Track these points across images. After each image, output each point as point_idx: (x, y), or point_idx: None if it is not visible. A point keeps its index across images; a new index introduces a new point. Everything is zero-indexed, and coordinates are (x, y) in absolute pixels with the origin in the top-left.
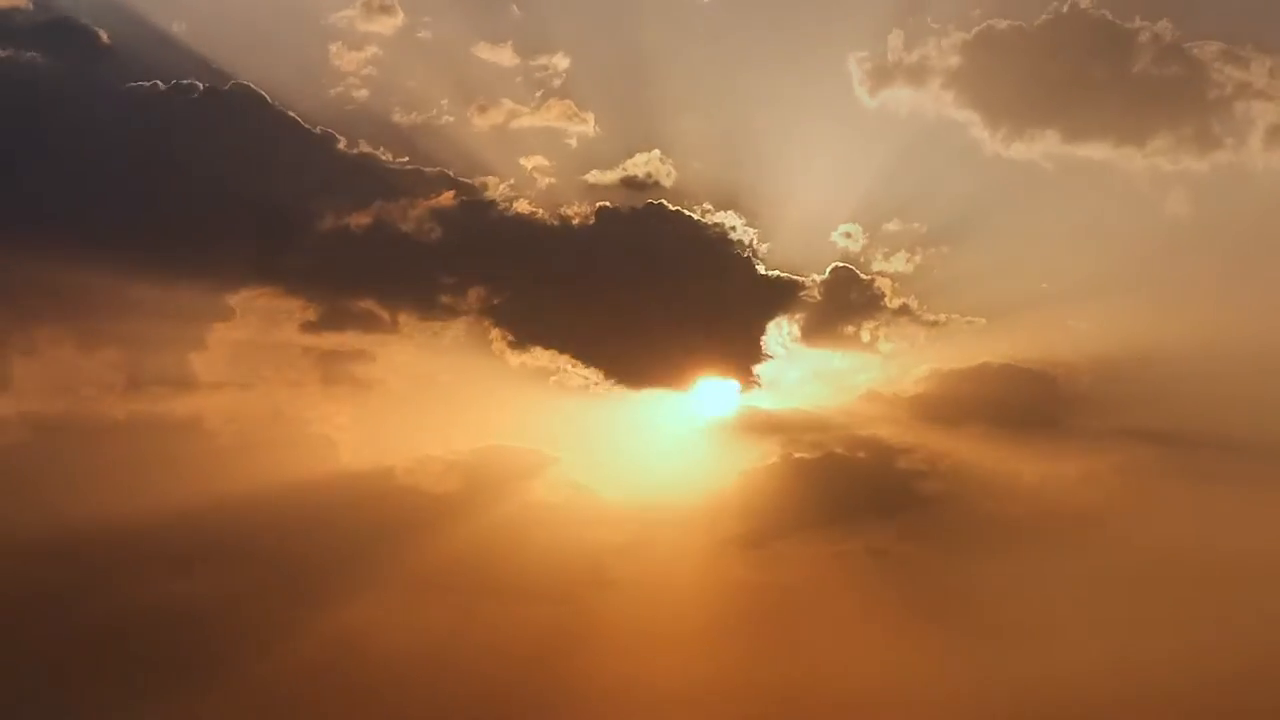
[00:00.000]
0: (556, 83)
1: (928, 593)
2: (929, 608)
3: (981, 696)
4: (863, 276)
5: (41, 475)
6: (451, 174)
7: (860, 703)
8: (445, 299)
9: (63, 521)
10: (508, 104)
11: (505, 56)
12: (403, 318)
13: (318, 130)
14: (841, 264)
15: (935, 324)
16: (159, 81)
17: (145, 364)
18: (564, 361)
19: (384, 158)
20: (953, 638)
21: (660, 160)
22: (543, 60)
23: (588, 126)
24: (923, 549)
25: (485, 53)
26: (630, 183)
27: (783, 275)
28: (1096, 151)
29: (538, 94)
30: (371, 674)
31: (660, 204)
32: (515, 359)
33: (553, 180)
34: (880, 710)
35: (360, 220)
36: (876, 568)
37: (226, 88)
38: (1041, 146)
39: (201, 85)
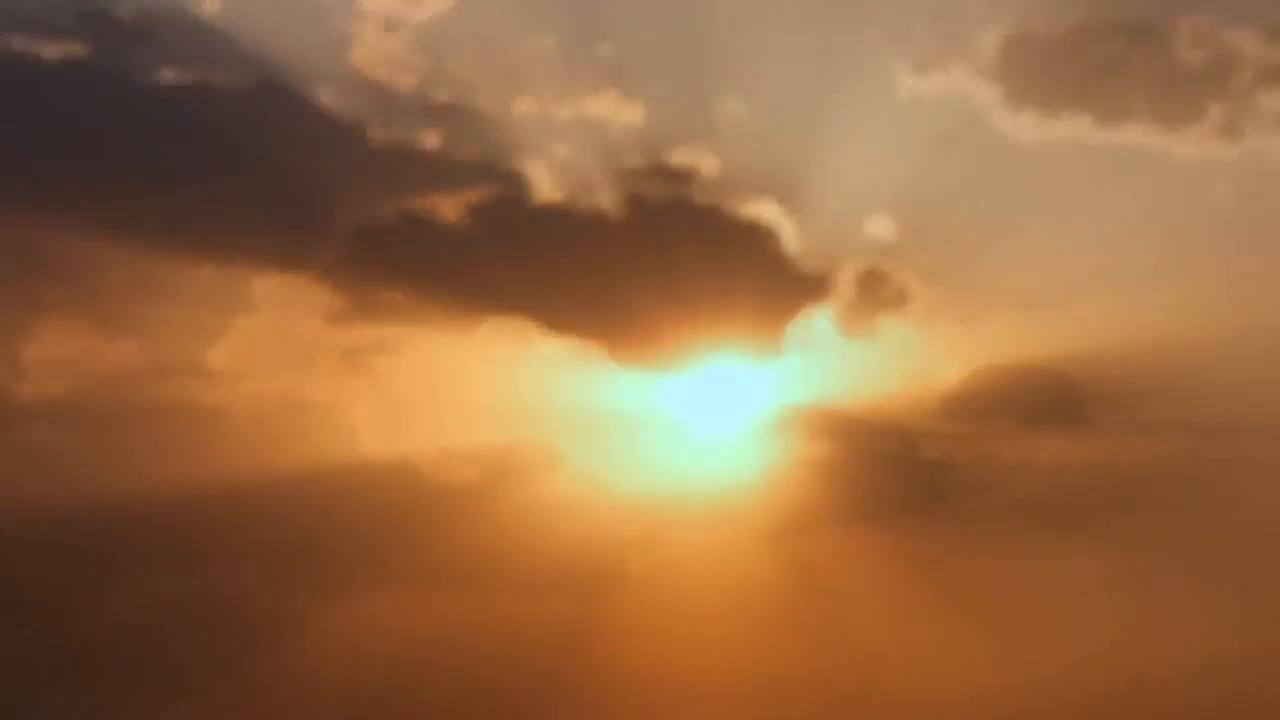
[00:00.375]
0: (602, 71)
1: (957, 588)
2: (958, 603)
3: (1010, 690)
4: (894, 272)
5: (59, 461)
6: (487, 163)
7: (885, 697)
8: (474, 290)
9: (79, 509)
10: (550, 91)
11: (549, 43)
12: (429, 308)
13: (348, 121)
14: (875, 256)
15: (968, 318)
16: (186, 71)
17: (166, 352)
18: (590, 353)
19: (417, 145)
20: (981, 631)
21: (704, 151)
22: (588, 48)
23: (634, 116)
24: (952, 544)
25: (528, 38)
26: (672, 173)
27: (813, 268)
28: (1132, 141)
29: (581, 82)
30: (386, 666)
31: (691, 195)
32: (542, 350)
33: (591, 170)
34: (905, 705)
35: (390, 210)
36: (903, 563)
37: (255, 78)
38: (1076, 136)
39: (229, 75)
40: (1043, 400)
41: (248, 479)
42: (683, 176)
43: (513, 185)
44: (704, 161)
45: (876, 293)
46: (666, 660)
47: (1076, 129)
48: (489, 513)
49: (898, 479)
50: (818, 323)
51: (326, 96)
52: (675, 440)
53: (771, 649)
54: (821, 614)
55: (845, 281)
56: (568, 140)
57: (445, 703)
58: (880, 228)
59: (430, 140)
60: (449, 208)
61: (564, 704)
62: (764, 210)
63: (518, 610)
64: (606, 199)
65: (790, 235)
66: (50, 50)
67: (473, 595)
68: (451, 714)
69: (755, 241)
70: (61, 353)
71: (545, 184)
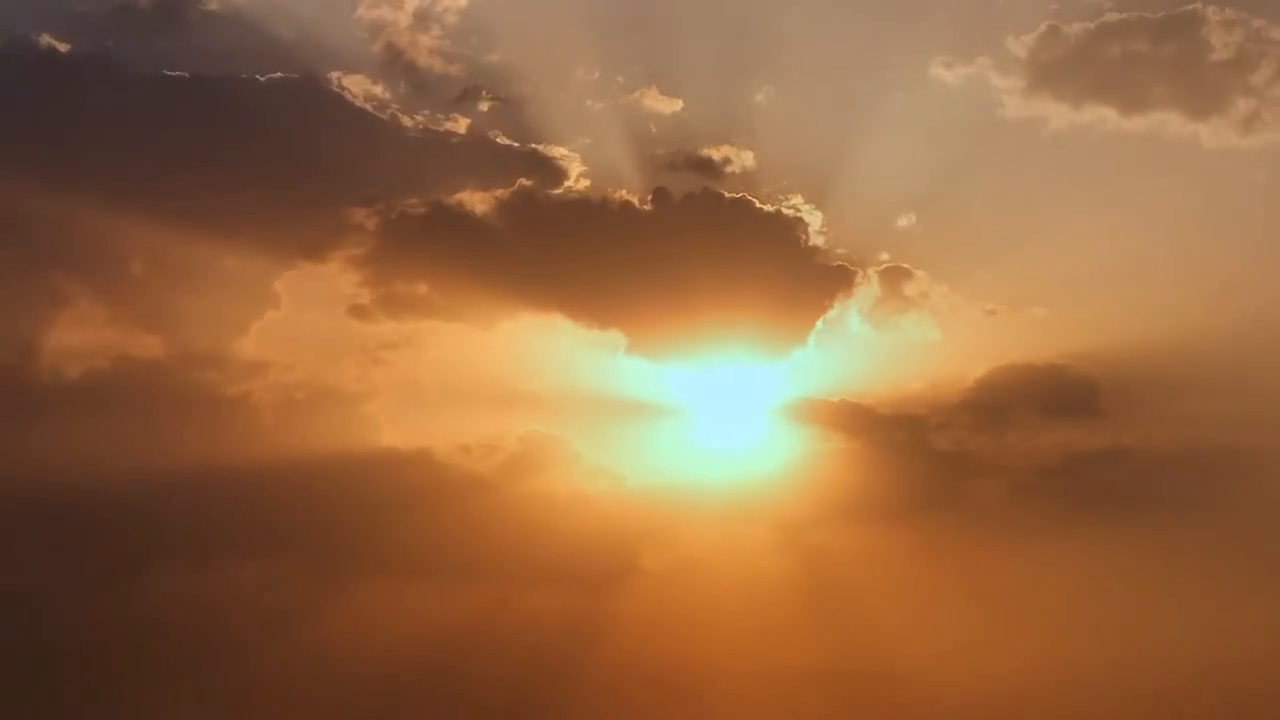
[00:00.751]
0: (642, 65)
1: (975, 579)
2: (976, 594)
3: (1027, 684)
4: (919, 267)
5: (85, 447)
6: (519, 156)
7: (898, 688)
8: (501, 283)
9: (102, 496)
10: (590, 84)
11: (593, 39)
12: (455, 301)
13: (378, 113)
14: (900, 251)
15: (992, 314)
16: (215, 61)
17: (192, 342)
18: (615, 344)
19: (448, 138)
20: (994, 623)
21: (735, 145)
22: (628, 42)
23: (669, 109)
24: (971, 537)
25: (566, 31)
26: (703, 167)
27: (839, 262)
28: (1164, 136)
29: (621, 76)
30: (402, 658)
31: (720, 189)
32: (566, 342)
33: (624, 164)
34: (916, 695)
35: (419, 203)
36: (920, 555)
37: (284, 69)
38: (1103, 131)
39: (258, 66)
40: (1065, 396)
41: (269, 468)
42: (713, 170)
43: (543, 179)
44: (734, 156)
45: (901, 287)
46: (684, 651)
47: (1103, 120)
48: (509, 505)
49: (917, 473)
50: (843, 316)
51: (356, 87)
52: (697, 433)
53: (792, 640)
54: (838, 605)
55: (871, 276)
56: (602, 133)
57: (463, 691)
58: (906, 223)
59: (462, 134)
60: (478, 201)
61: (579, 693)
62: (792, 205)
63: (536, 601)
64: (637, 192)
65: (818, 230)
66: (79, 44)
67: (493, 586)
68: (469, 701)
69: (782, 235)
70: (88, 341)
71: (577, 177)
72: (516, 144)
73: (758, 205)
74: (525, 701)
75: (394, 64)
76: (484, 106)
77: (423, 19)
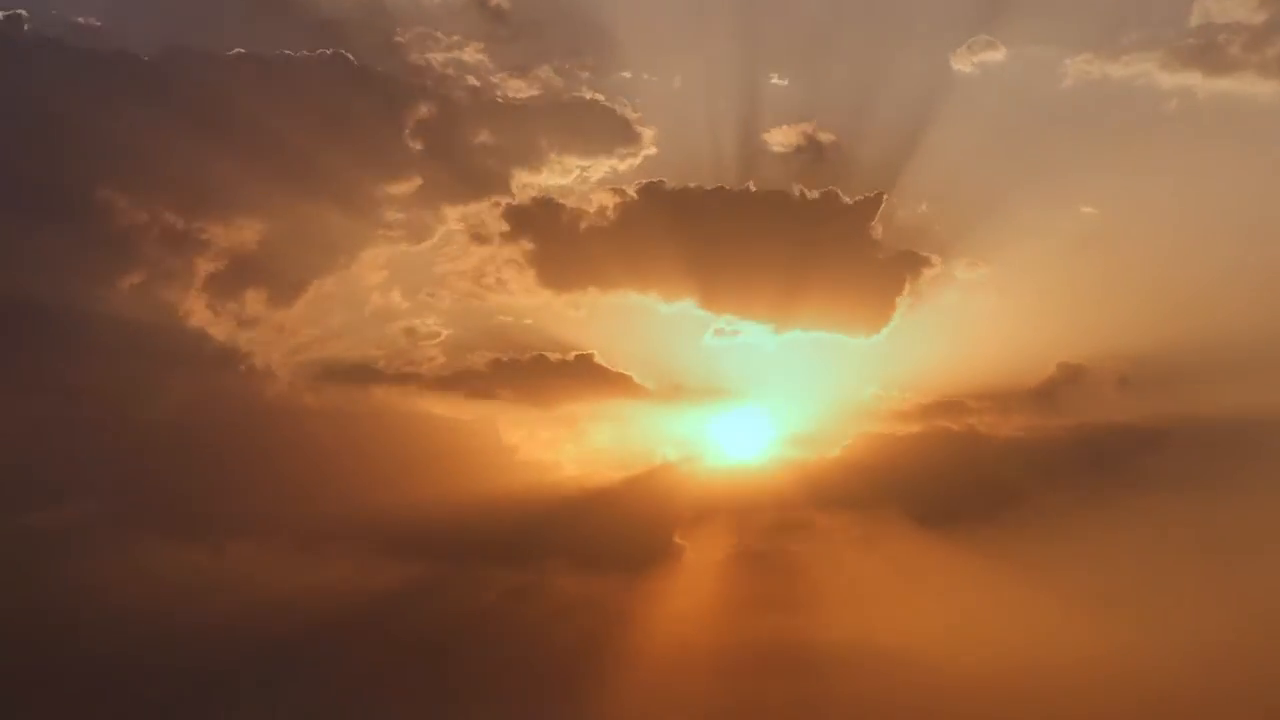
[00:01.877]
0: (740, 39)
1: (1019, 572)
2: (1018, 585)
3: (1069, 666)
4: (987, 262)
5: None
6: (599, 138)
7: (933, 672)
8: (576, 257)
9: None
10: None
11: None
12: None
13: (463, 82)
14: (973, 242)
15: (1063, 304)
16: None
17: (261, 314)
18: (685, 321)
19: (530, 102)
20: (1029, 611)
21: (820, 127)
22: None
23: (749, 92)
24: (1025, 530)
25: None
26: (787, 148)
27: (912, 251)
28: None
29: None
30: (434, 638)
31: (794, 171)
32: (638, 316)
33: (712, 139)
34: (952, 678)
35: (500, 177)
36: (971, 545)
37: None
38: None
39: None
40: (1131, 392)
41: (317, 438)
42: (791, 152)
43: (623, 149)
44: (813, 137)
45: (971, 276)
46: (724, 635)
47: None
48: (562, 483)
49: (972, 463)
50: (912, 305)
51: (437, 62)
52: (756, 416)
53: (839, 623)
54: (885, 590)
55: (948, 264)
56: (688, 107)
57: (496, 672)
58: (981, 212)
59: (540, 100)
60: (555, 177)
61: (611, 677)
62: (864, 192)
63: (581, 583)
64: (717, 169)
65: (892, 215)
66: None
67: (539, 566)
68: (501, 683)
69: (855, 220)
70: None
71: (654, 149)
72: (598, 126)
73: (834, 189)
74: (567, 683)
75: (499, 28)
76: (565, 72)
77: None
